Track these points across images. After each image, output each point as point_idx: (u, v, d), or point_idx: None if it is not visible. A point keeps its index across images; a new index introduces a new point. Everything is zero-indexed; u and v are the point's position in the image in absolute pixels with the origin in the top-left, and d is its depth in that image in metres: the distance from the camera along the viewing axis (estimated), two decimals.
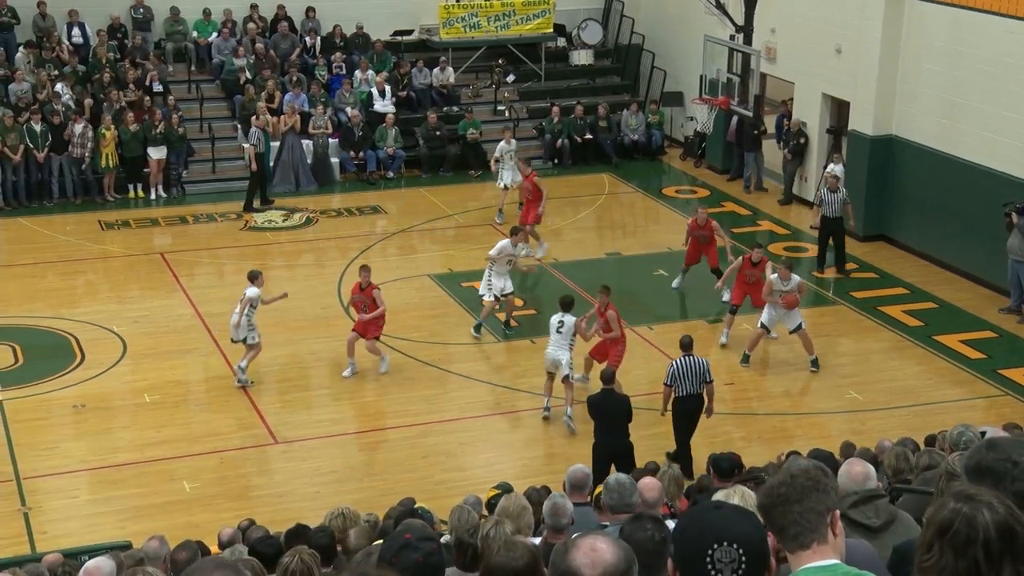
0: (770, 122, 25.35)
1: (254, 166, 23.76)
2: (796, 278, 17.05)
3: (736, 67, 25.05)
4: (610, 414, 13.71)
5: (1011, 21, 19.27)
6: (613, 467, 12.77)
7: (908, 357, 17.85)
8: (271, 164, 25.07)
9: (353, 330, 17.01)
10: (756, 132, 25.00)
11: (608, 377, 13.92)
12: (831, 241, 20.64)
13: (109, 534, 12.79)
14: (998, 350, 18.01)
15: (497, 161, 23.24)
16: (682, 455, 14.17)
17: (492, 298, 18.05)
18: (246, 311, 16.32)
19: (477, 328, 18.16)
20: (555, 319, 15.65)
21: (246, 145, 24.05)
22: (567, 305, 15.68)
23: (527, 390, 16.58)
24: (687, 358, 14.22)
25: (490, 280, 18.04)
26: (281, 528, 9.97)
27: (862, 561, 4.26)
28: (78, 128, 23.75)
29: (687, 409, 14.26)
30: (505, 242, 18.21)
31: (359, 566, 5.05)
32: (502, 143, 23.48)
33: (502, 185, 23.19)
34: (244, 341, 16.52)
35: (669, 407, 14.44)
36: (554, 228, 23.11)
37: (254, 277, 16.61)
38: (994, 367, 17.35)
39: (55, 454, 14.89)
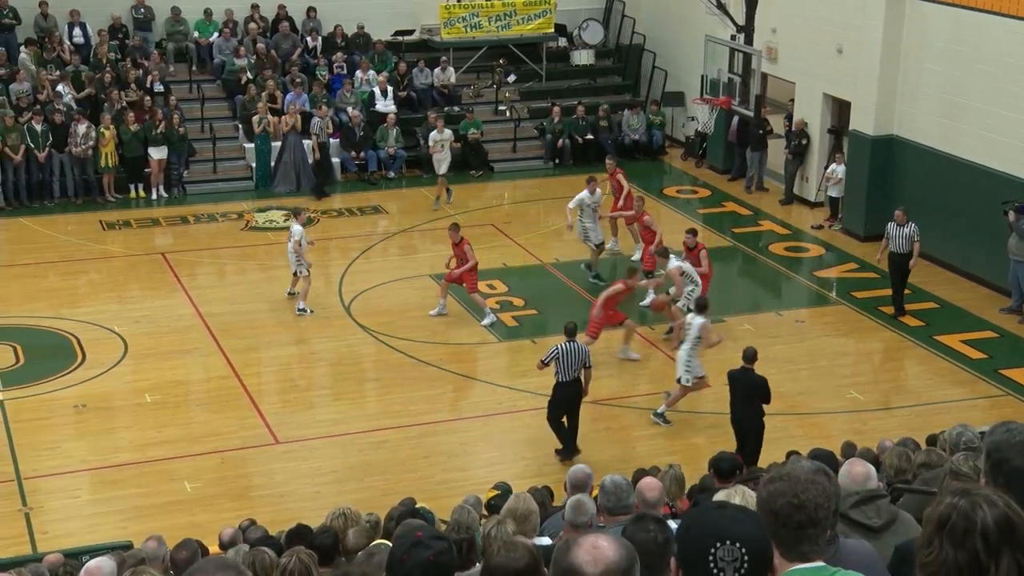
0: (780, 122, 25.30)
1: (318, 154, 24.71)
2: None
3: (737, 67, 25.04)
4: (745, 392, 13.99)
5: (1012, 21, 19.28)
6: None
7: (909, 357, 17.86)
8: (272, 164, 25.12)
9: (445, 279, 18.95)
10: (761, 132, 25.00)
11: (750, 356, 14.10)
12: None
13: (110, 534, 12.79)
14: (999, 350, 18.00)
15: (432, 148, 24.27)
16: (564, 443, 14.57)
17: (595, 247, 20.14)
18: (292, 246, 18.73)
19: (589, 267, 20.33)
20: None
21: (313, 136, 24.85)
22: (701, 308, 15.48)
23: (528, 390, 16.58)
24: (569, 344, 14.50)
25: (586, 232, 20.14)
26: (282, 528, 9.99)
27: (863, 562, 4.26)
28: (81, 128, 23.77)
29: (568, 394, 14.52)
30: (583, 193, 19.95)
31: (349, 567, 5.07)
32: (434, 132, 24.37)
33: (442, 172, 24.17)
34: (295, 275, 18.94)
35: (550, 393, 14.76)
36: (555, 228, 23.12)
37: (297, 214, 19.27)
38: (995, 367, 17.35)
39: (56, 454, 14.89)
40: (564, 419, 14.72)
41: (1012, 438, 3.73)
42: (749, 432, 13.99)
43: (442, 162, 24.30)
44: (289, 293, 19.39)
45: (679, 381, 15.45)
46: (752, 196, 25.04)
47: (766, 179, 25.41)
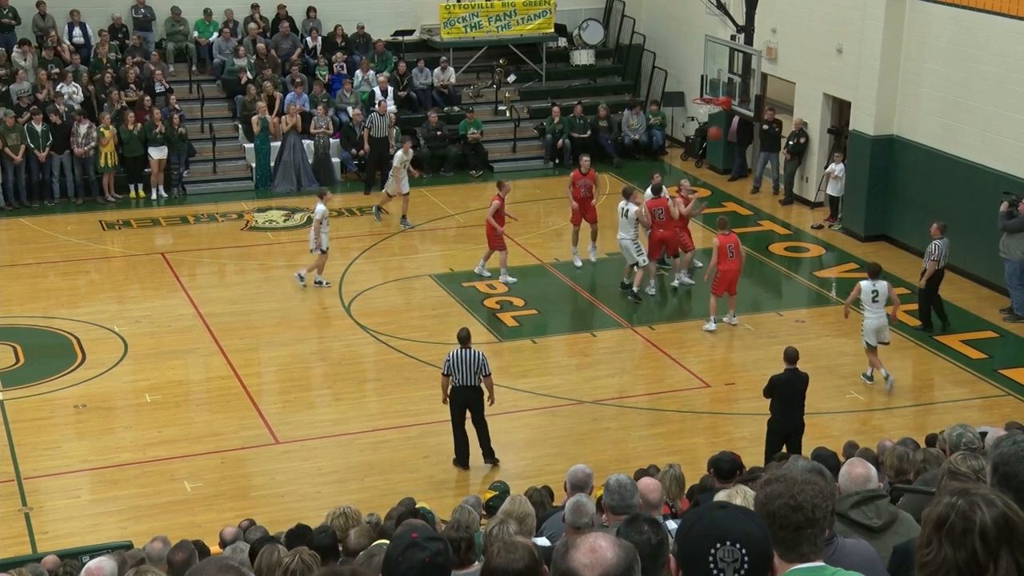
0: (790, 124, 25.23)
1: (366, 147, 25.07)
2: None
3: (737, 67, 25.04)
4: (795, 393, 13.98)
5: (1013, 21, 19.26)
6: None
7: (909, 357, 17.85)
8: (272, 164, 25.13)
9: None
10: (764, 130, 24.95)
11: (795, 356, 14.09)
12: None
13: (111, 534, 12.80)
14: (999, 350, 17.99)
15: (396, 171, 22.72)
16: (458, 444, 14.61)
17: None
18: (313, 224, 19.80)
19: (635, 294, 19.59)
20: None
21: (364, 130, 25.30)
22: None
23: (529, 390, 16.58)
24: (463, 350, 14.46)
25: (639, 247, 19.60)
26: (282, 528, 9.99)
27: (862, 563, 4.27)
28: (83, 128, 23.77)
29: (462, 399, 14.52)
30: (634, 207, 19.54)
31: (340, 567, 5.07)
32: (400, 152, 22.90)
33: (404, 191, 22.76)
34: (312, 251, 19.80)
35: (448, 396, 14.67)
36: (556, 228, 23.12)
37: (322, 195, 20.18)
38: (995, 367, 17.35)
39: (57, 454, 14.89)
40: (469, 429, 14.66)
41: (1020, 451, 3.71)
42: (795, 431, 13.98)
43: (403, 181, 22.87)
44: (299, 276, 20.03)
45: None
46: (753, 196, 25.02)
47: (766, 179, 25.39)
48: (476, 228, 22.26)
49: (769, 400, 14.14)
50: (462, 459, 14.64)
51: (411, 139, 24.27)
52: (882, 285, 16.68)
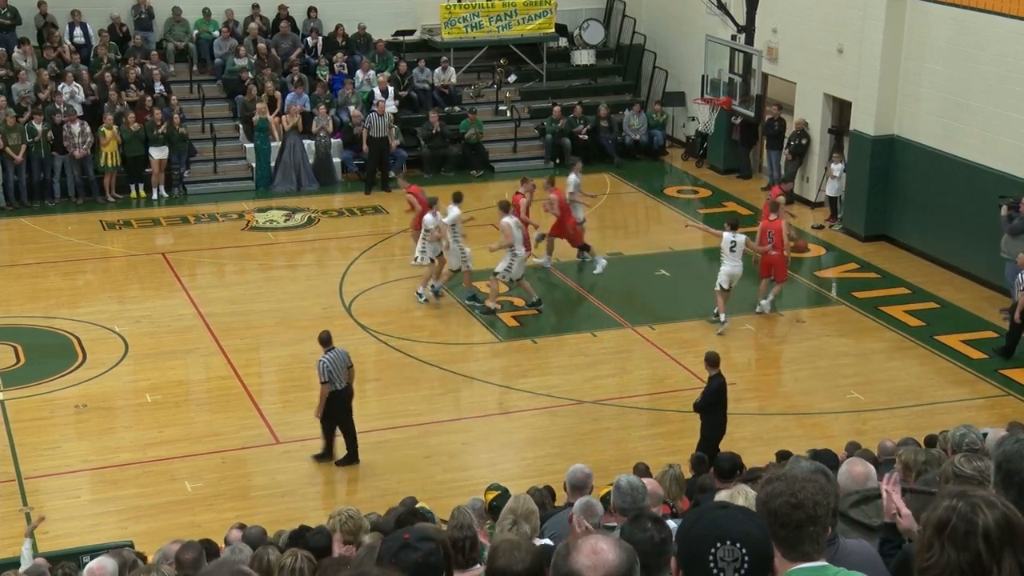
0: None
1: (365, 147, 25.13)
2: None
3: (738, 67, 25.04)
4: (726, 397, 14.03)
5: (1014, 21, 19.26)
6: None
7: (910, 357, 17.84)
8: (272, 164, 25.12)
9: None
10: (766, 129, 24.93)
11: (718, 360, 14.09)
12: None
13: (111, 534, 12.80)
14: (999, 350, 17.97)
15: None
16: (329, 450, 14.64)
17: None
18: (423, 235, 19.17)
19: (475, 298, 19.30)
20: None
21: (364, 127, 25.37)
22: (734, 224, 18.23)
23: (529, 390, 16.58)
24: (331, 352, 14.38)
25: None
26: (282, 528, 9.98)
27: (863, 562, 4.27)
28: (76, 128, 23.76)
29: (344, 400, 14.45)
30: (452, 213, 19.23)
31: (361, 565, 5.06)
32: (572, 176, 21.54)
33: (579, 219, 21.15)
34: (432, 261, 19.19)
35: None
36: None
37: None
38: (995, 367, 17.34)
39: (57, 454, 14.89)
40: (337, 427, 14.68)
41: (1022, 449, 3.72)
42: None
43: (579, 207, 21.48)
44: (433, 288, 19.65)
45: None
46: (754, 195, 25.00)
47: (764, 177, 25.38)
48: (476, 228, 22.25)
49: (700, 412, 14.14)
50: (327, 453, 14.62)
51: (579, 159, 22.77)
52: (740, 238, 17.99)
